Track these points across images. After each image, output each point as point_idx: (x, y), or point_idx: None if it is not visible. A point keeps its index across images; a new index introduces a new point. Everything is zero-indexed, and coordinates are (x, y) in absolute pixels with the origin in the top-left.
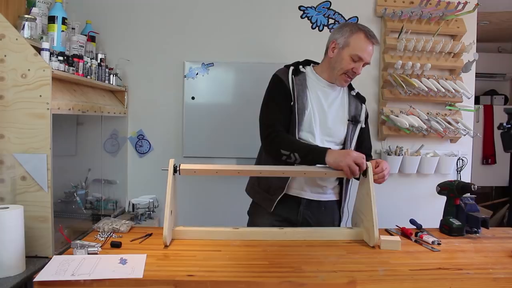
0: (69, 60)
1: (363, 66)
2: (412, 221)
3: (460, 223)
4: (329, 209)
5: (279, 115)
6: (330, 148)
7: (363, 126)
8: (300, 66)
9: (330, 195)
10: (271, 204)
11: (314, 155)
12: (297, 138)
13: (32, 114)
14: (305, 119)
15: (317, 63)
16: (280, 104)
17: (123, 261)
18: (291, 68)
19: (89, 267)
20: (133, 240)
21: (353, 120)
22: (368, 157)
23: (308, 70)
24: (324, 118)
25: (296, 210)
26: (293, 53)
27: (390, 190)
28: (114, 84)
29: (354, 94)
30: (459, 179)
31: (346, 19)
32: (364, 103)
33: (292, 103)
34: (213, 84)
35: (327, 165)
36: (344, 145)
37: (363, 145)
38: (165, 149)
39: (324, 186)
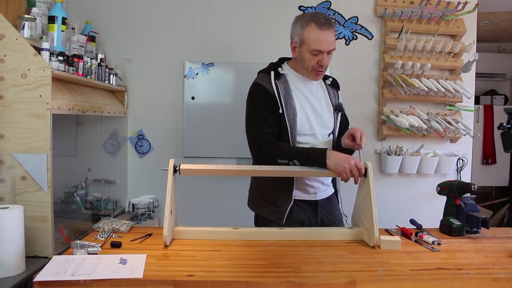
0: (69, 60)
1: (328, 54)
2: (412, 221)
3: (460, 223)
4: (335, 202)
5: (266, 126)
6: (327, 149)
7: (344, 110)
8: (279, 68)
9: (331, 188)
10: (281, 217)
11: (314, 158)
12: (295, 143)
13: (32, 114)
14: (298, 123)
15: (290, 58)
16: (266, 114)
17: (123, 261)
18: (272, 73)
19: (89, 267)
20: (133, 240)
21: (337, 109)
22: (345, 131)
23: (286, 68)
24: (316, 112)
25: (314, 212)
26: None
27: (390, 190)
28: (114, 84)
29: (329, 83)
30: (459, 179)
31: (346, 19)
32: (339, 89)
33: (280, 110)
34: (213, 84)
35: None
36: (332, 132)
37: (341, 123)
38: (165, 149)
39: (325, 181)
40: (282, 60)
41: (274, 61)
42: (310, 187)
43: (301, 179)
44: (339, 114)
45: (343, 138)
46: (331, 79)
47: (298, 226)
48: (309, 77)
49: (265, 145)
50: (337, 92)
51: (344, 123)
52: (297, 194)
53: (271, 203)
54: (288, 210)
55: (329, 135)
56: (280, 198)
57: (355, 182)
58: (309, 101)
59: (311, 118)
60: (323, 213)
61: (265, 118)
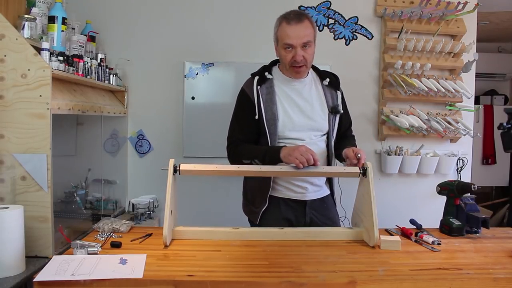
0: (69, 60)
1: (303, 48)
2: (412, 221)
3: (460, 223)
4: (329, 203)
5: (238, 132)
6: (285, 146)
7: (342, 111)
8: (266, 73)
9: (324, 189)
10: (256, 218)
11: (270, 155)
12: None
13: (32, 114)
14: (280, 127)
15: None
16: (241, 121)
17: (123, 261)
18: (256, 78)
19: (89, 267)
20: (133, 240)
21: (333, 111)
22: (349, 133)
23: (275, 71)
24: (305, 114)
25: (303, 212)
26: None
27: (390, 190)
28: (114, 84)
29: (327, 83)
30: (459, 179)
31: (346, 19)
32: (339, 89)
33: (256, 116)
34: (213, 84)
35: (283, 162)
36: (327, 134)
37: (342, 125)
38: (165, 149)
39: (316, 182)
40: (274, 62)
41: (266, 64)
42: (298, 187)
43: (288, 178)
44: (337, 116)
45: (347, 150)
46: (328, 79)
47: (285, 224)
48: (291, 75)
49: (232, 149)
50: (336, 92)
51: (346, 125)
52: (285, 193)
53: (250, 202)
54: (262, 211)
55: (322, 136)
56: (257, 199)
57: (308, 164)
58: (296, 104)
59: (297, 122)
60: (312, 213)
61: (239, 125)
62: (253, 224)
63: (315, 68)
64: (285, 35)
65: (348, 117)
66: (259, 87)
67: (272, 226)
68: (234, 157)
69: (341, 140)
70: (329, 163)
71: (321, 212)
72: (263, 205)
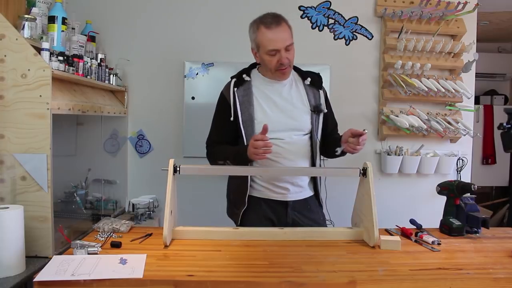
0: (69, 60)
1: (287, 50)
2: (412, 221)
3: (460, 223)
4: (313, 205)
5: (215, 135)
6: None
7: (325, 111)
8: (244, 75)
9: (307, 190)
10: (237, 219)
11: (240, 156)
12: None
13: (32, 114)
14: (257, 129)
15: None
16: (219, 123)
17: (123, 261)
18: (233, 80)
19: (89, 267)
20: (133, 240)
21: (316, 110)
22: (335, 133)
23: (254, 74)
24: (286, 114)
25: (284, 212)
26: None
27: (390, 190)
28: (114, 84)
29: (308, 83)
30: (459, 179)
31: (346, 19)
32: (321, 88)
33: (232, 118)
34: (213, 84)
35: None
36: (311, 133)
37: (328, 126)
38: (165, 149)
39: (298, 183)
40: (254, 65)
41: (245, 67)
42: (279, 187)
43: (268, 179)
44: (320, 115)
45: (346, 133)
46: (310, 78)
47: (268, 223)
48: (277, 78)
49: (209, 150)
50: (319, 91)
51: (331, 124)
52: (266, 193)
53: (232, 204)
54: (242, 212)
55: (304, 135)
56: (238, 201)
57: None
58: (276, 104)
59: (277, 122)
60: (295, 214)
61: (216, 127)
62: (236, 225)
63: (296, 68)
64: (267, 41)
65: (333, 118)
66: (236, 89)
67: (254, 225)
68: (211, 159)
69: (330, 137)
70: (313, 163)
71: (303, 214)
72: (243, 206)
